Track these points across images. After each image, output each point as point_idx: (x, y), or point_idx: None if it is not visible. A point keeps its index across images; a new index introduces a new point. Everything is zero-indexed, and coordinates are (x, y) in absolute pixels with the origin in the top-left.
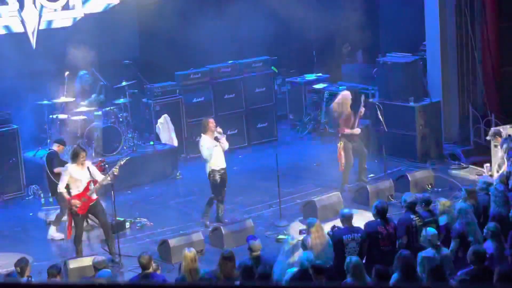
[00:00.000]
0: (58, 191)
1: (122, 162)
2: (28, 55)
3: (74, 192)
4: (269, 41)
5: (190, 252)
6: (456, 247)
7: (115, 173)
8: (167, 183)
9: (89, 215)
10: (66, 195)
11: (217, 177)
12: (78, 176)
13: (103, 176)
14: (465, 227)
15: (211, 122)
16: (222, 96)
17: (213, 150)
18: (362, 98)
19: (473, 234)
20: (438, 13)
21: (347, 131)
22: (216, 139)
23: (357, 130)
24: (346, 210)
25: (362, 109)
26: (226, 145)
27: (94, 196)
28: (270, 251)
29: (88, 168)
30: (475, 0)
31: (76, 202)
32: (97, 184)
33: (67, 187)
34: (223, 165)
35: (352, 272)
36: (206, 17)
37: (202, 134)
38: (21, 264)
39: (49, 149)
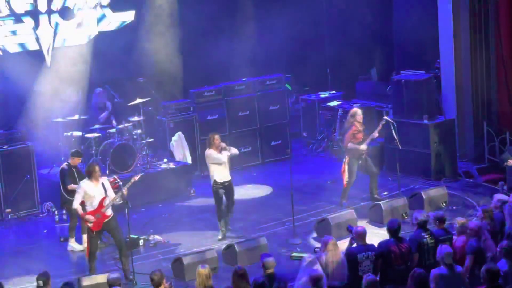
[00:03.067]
0: (73, 207)
1: (136, 178)
2: (43, 73)
3: (88, 208)
4: (283, 59)
5: (204, 269)
6: (471, 263)
7: (125, 193)
8: (181, 201)
9: (104, 232)
10: (80, 211)
11: (220, 190)
12: (92, 193)
13: (114, 194)
14: (483, 244)
15: (217, 138)
16: (236, 113)
17: (219, 160)
18: (382, 123)
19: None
20: (452, 30)
21: (351, 145)
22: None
23: (363, 146)
24: (359, 228)
25: (376, 134)
26: (234, 151)
27: (109, 213)
28: (284, 268)
29: (102, 184)
30: (489, 17)
31: (90, 218)
32: (109, 201)
33: (82, 203)
34: (227, 178)
35: None
36: (220, 35)
37: (207, 149)
38: (43, 278)
39: (65, 164)
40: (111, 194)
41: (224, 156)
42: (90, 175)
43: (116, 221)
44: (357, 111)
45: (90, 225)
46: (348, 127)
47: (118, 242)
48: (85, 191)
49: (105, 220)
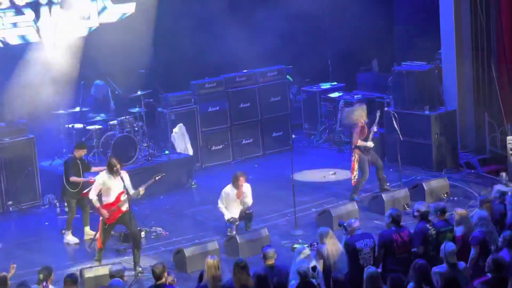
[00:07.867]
0: (90, 197)
1: (156, 178)
2: (44, 65)
3: (104, 200)
4: (285, 50)
5: (213, 260)
6: (476, 255)
7: (141, 192)
8: (182, 192)
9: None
10: (96, 204)
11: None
12: (110, 185)
13: (133, 190)
14: (487, 236)
15: (241, 180)
16: (237, 105)
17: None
18: (378, 114)
19: (494, 243)
20: (453, 21)
21: (361, 142)
22: (239, 194)
23: (370, 144)
24: (351, 220)
25: (376, 128)
26: (249, 202)
27: (125, 208)
28: (286, 260)
29: (121, 178)
30: (491, 8)
31: (104, 213)
32: (127, 197)
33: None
34: (237, 214)
35: (370, 284)
36: (222, 26)
37: (230, 185)
38: (45, 272)
39: (70, 155)
40: (129, 189)
41: (237, 206)
42: (110, 169)
43: (132, 214)
44: (362, 106)
45: (105, 218)
46: (354, 125)
47: (133, 234)
48: (103, 182)
49: (120, 214)
